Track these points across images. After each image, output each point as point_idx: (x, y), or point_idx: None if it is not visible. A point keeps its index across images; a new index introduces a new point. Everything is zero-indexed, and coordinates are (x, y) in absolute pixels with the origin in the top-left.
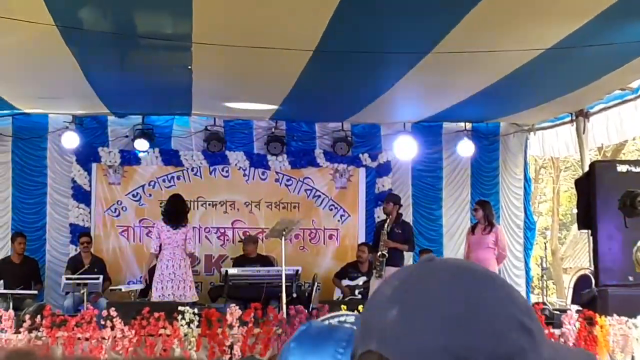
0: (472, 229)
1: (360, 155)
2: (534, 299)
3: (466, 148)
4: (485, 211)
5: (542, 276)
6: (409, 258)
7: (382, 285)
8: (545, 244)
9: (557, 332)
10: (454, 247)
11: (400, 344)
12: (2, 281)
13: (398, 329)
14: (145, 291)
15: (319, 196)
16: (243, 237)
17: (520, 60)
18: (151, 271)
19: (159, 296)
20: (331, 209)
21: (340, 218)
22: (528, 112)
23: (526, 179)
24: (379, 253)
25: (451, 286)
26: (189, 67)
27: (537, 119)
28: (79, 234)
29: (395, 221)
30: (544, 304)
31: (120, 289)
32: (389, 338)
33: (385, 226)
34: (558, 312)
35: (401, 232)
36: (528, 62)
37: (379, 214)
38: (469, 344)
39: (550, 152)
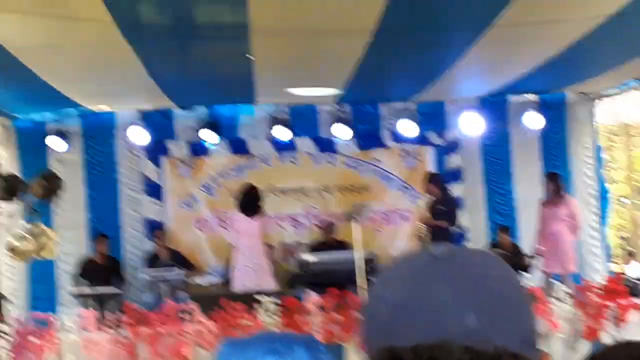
0: (545, 202)
1: (428, 133)
2: (614, 269)
3: (533, 120)
4: (555, 183)
5: (622, 245)
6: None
7: (421, 289)
8: (622, 212)
9: (639, 301)
10: (527, 221)
11: (490, 346)
12: (84, 280)
13: (484, 333)
14: (228, 283)
15: (389, 177)
16: (317, 223)
17: (584, 28)
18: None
19: (241, 286)
20: (402, 190)
21: (412, 198)
22: (594, 80)
23: (596, 148)
24: (417, 234)
25: (497, 278)
26: (248, 55)
27: (604, 86)
28: (154, 229)
29: (440, 198)
30: (623, 274)
31: (200, 284)
32: (478, 343)
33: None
34: (639, 282)
35: (444, 209)
36: (592, 29)
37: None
38: (533, 327)
39: (619, 118)
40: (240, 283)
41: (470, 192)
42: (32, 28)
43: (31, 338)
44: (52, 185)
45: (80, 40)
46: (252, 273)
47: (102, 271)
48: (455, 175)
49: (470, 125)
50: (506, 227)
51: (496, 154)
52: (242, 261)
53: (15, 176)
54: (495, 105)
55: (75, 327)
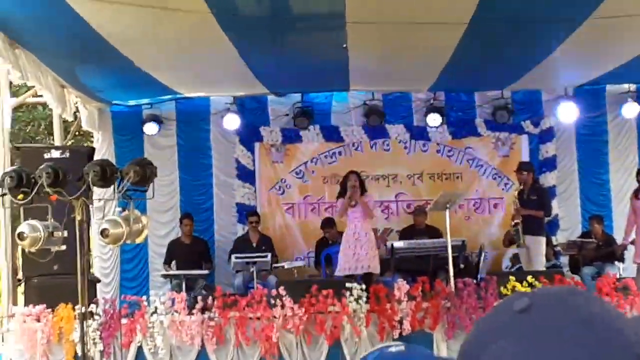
0: (636, 193)
1: (522, 122)
2: None
3: (631, 110)
4: None
5: None
6: None
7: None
8: None
9: None
10: (622, 211)
11: None
12: (174, 262)
13: None
14: (317, 268)
15: (482, 165)
16: (408, 210)
17: None
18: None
19: (346, 269)
20: (494, 178)
21: (505, 186)
22: None
23: None
24: (512, 222)
25: (580, 330)
26: (344, 45)
27: None
28: (247, 212)
29: (531, 188)
30: None
31: (284, 266)
32: None
33: (516, 194)
34: None
35: (536, 198)
36: None
37: (544, 180)
38: None
39: None
40: (345, 267)
41: (565, 181)
42: (129, 19)
43: (122, 320)
44: (145, 171)
45: (176, 30)
46: (354, 258)
47: (189, 252)
48: (550, 164)
49: (566, 114)
50: (599, 216)
51: (592, 144)
52: (346, 246)
53: (110, 162)
54: (592, 95)
55: (164, 309)
